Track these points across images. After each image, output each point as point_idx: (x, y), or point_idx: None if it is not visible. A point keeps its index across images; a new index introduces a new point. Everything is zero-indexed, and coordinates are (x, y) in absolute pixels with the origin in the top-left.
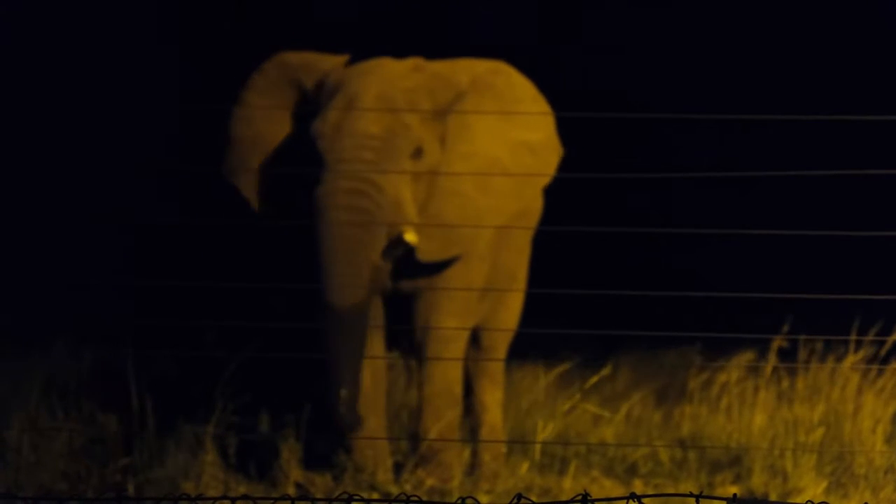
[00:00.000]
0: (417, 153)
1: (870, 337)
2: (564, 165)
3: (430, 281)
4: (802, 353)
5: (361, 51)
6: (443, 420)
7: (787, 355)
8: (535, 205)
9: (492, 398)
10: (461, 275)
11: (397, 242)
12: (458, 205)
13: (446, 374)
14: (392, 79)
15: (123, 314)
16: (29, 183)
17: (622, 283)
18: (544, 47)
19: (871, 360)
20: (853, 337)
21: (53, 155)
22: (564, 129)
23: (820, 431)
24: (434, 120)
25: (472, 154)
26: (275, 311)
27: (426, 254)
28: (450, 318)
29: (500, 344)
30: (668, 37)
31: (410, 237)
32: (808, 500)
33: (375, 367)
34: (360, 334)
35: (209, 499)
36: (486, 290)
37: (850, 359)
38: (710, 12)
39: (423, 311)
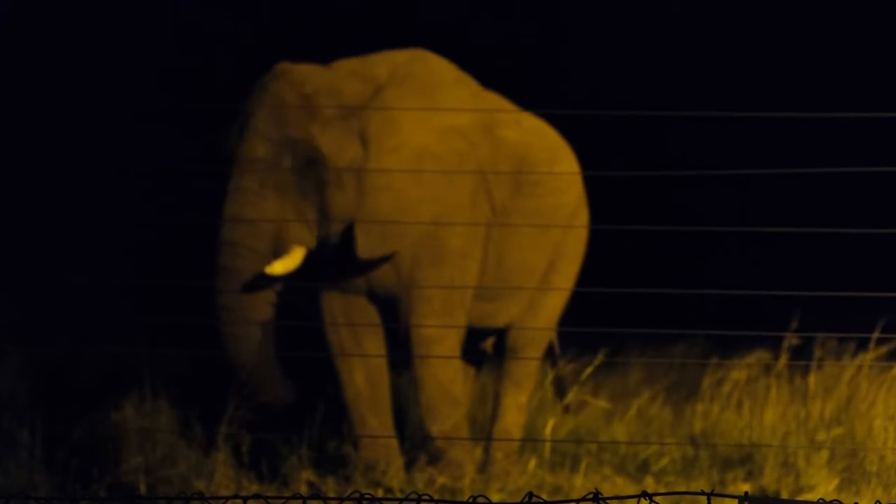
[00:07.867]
0: (310, 162)
1: (881, 334)
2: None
3: (403, 283)
4: (815, 351)
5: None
6: (443, 420)
7: (799, 353)
8: (553, 202)
9: (512, 401)
10: (434, 275)
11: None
12: (391, 199)
13: (436, 376)
14: (291, 84)
15: (137, 313)
16: (40, 182)
17: (634, 281)
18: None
19: (883, 358)
20: (865, 335)
21: (69, 154)
22: (574, 130)
23: (832, 429)
24: (345, 119)
25: (399, 146)
26: (288, 311)
27: (364, 251)
28: (428, 320)
29: (527, 345)
30: (674, 35)
31: (274, 269)
32: (820, 498)
33: (372, 366)
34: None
35: (221, 498)
36: (486, 288)
37: (863, 356)
38: (720, 11)
39: (403, 314)
